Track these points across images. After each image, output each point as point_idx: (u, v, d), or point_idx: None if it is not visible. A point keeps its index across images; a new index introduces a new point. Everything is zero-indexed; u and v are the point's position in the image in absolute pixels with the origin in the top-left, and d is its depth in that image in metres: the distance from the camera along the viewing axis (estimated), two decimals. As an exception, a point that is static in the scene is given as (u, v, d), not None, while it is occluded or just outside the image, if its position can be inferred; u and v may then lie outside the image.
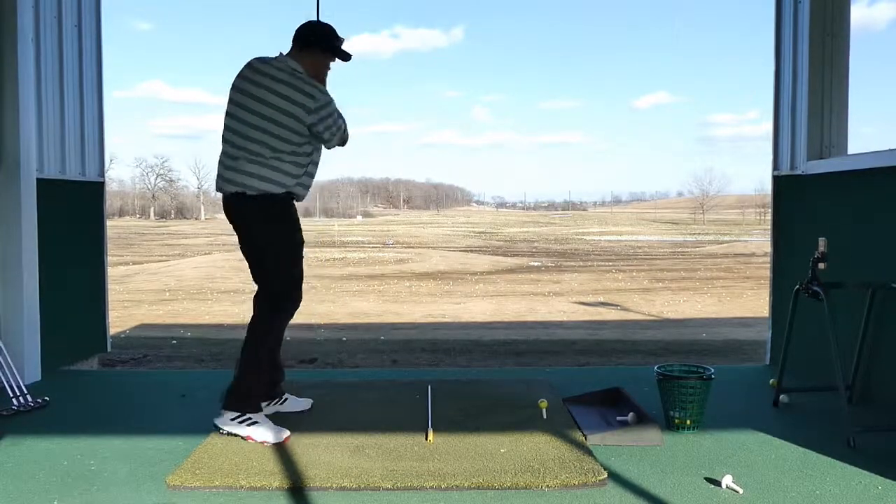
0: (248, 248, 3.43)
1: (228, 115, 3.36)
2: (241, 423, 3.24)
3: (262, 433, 3.21)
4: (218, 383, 4.44)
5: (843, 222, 4.08)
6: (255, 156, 3.26)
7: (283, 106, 3.24)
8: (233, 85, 3.37)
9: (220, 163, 3.36)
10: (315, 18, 3.59)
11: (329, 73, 3.49)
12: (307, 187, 3.44)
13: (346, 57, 3.47)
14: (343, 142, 3.49)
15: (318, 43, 3.39)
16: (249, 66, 3.37)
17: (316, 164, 3.45)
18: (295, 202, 3.45)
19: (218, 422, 3.28)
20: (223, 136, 3.37)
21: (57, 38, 4.78)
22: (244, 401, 3.29)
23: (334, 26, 3.47)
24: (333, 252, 25.87)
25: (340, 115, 3.39)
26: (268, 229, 3.34)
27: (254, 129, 3.26)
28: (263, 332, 3.39)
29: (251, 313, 3.44)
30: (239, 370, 3.36)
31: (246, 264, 3.47)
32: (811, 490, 2.71)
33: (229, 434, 3.26)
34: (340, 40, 3.45)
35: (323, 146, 3.45)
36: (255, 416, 3.28)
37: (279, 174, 3.28)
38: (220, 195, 3.43)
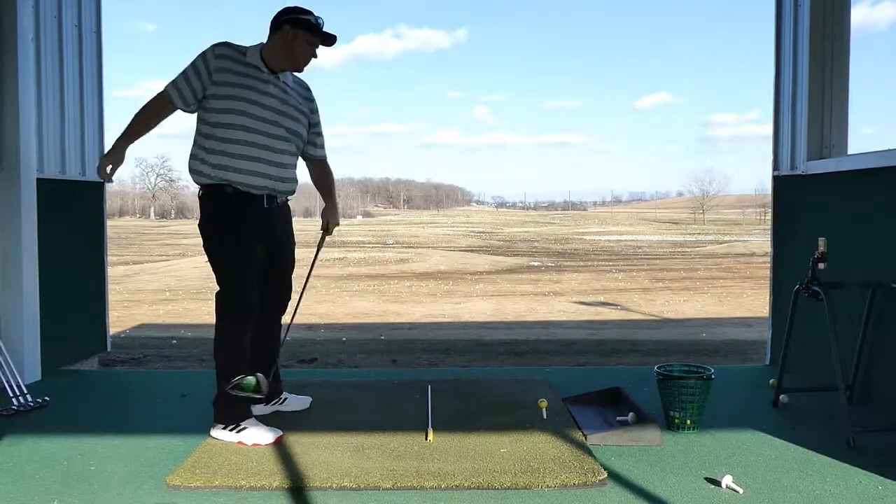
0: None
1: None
2: (230, 431, 3.24)
3: (253, 436, 3.20)
4: (218, 383, 4.46)
5: (843, 222, 4.08)
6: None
7: None
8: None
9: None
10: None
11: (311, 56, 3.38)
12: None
13: (309, 26, 3.30)
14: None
15: (282, 21, 3.30)
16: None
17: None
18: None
19: (212, 433, 3.30)
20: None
21: (57, 38, 4.78)
22: (227, 412, 3.28)
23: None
24: (333, 252, 25.85)
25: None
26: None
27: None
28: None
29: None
30: (217, 382, 3.34)
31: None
32: (811, 490, 2.71)
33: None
34: (305, 13, 3.30)
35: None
36: (243, 423, 3.26)
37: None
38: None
